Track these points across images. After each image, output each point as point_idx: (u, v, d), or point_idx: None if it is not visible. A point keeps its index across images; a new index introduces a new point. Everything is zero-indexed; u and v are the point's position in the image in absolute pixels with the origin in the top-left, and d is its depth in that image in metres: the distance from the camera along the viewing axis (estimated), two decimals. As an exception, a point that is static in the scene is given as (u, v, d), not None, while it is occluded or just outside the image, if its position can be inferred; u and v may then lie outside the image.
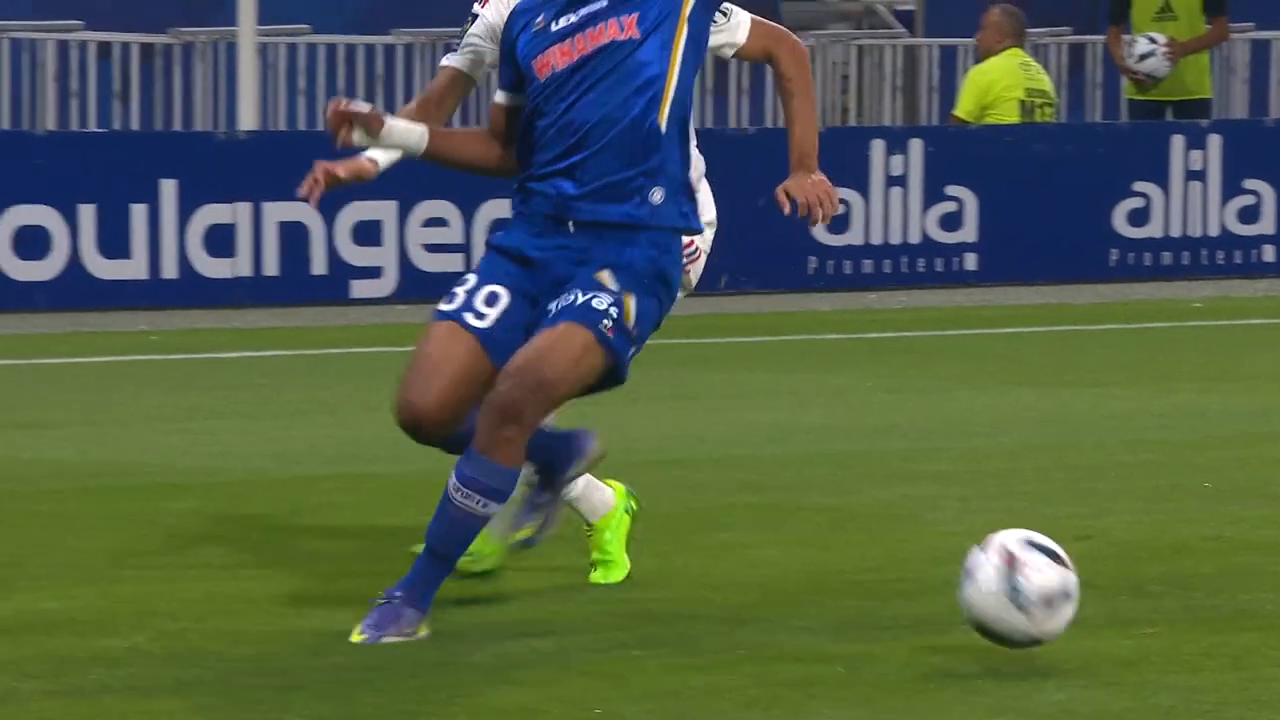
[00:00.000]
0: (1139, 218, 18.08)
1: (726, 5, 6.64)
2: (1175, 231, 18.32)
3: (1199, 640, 6.81)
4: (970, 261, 17.96)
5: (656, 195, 6.34)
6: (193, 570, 8.19)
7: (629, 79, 6.36)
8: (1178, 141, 18.18)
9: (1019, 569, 5.99)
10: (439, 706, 5.76)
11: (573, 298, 6.26)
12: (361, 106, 6.50)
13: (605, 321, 6.17)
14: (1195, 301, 17.99)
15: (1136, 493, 10.24)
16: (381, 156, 6.69)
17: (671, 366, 13.86)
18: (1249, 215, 18.23)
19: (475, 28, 6.95)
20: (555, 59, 6.44)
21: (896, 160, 17.78)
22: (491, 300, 6.40)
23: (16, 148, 17.21)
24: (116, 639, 6.65)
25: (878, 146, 17.80)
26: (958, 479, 10.66)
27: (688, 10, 6.42)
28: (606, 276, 6.29)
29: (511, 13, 6.62)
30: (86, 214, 16.69)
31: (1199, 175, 18.20)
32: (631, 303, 6.24)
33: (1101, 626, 7.02)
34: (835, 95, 21.38)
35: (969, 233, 17.94)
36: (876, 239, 17.74)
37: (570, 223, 6.38)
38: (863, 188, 17.67)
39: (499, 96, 6.66)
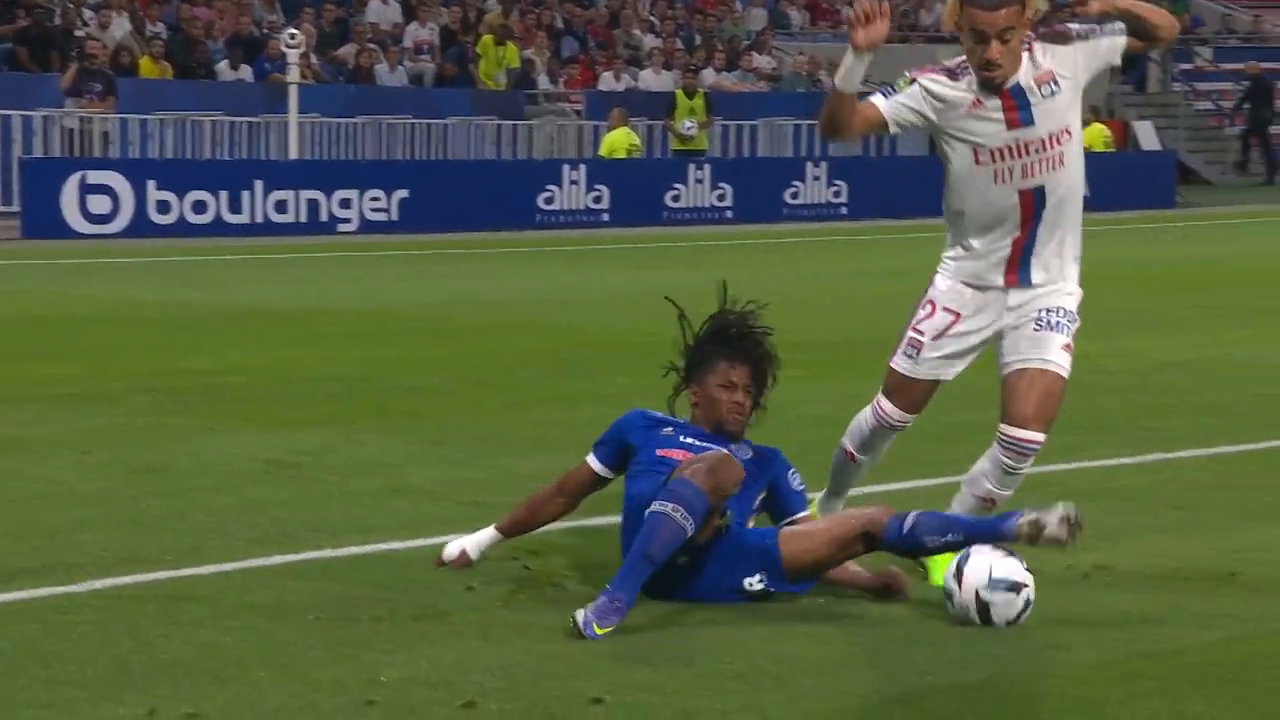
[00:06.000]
0: (677, 198, 25.64)
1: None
2: (689, 203, 25.65)
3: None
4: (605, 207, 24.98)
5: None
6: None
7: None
8: (691, 167, 25.90)
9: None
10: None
11: None
12: (454, 555, 5.63)
13: None
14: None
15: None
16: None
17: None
18: (721, 197, 25.92)
19: (910, 94, 5.47)
20: (677, 455, 5.37)
21: (575, 173, 24.71)
22: None
23: None
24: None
25: (566, 168, 24.82)
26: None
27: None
28: None
29: (636, 416, 5.56)
30: None
31: (700, 181, 25.77)
32: None
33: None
34: (546, 146, 26.84)
35: (605, 202, 24.97)
36: (571, 204, 24.75)
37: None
38: (557, 180, 24.68)
39: (598, 467, 5.59)
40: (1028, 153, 5.49)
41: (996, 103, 5.48)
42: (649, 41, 31.47)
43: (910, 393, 5.68)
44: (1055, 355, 5.54)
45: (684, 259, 20.03)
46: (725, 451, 5.38)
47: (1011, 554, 5.29)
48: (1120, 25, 5.53)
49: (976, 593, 5.21)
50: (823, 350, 11.10)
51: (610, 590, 5.09)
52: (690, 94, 27.70)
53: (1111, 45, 5.55)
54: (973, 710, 4.51)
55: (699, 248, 21.95)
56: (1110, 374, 10.29)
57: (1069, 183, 5.56)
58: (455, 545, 5.79)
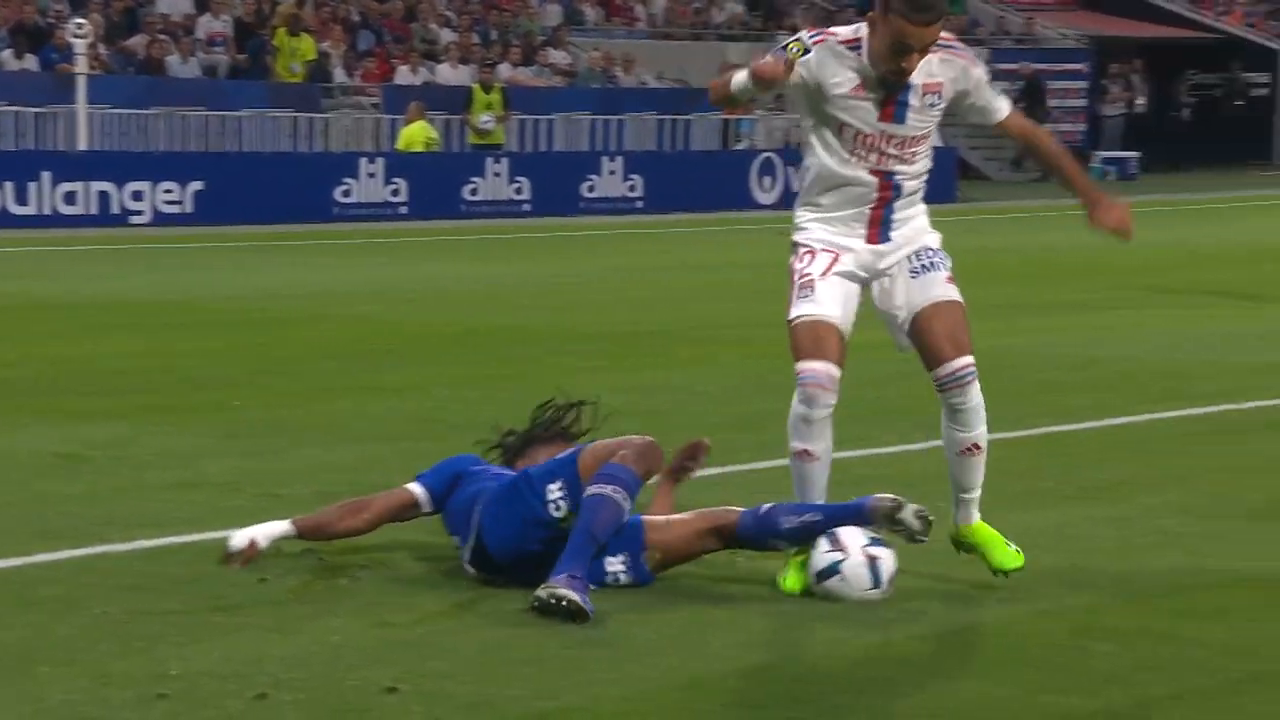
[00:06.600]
0: (475, 191, 25.31)
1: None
2: (487, 196, 25.47)
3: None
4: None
5: None
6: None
7: None
8: (489, 160, 25.61)
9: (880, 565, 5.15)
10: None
11: None
12: (243, 545, 5.43)
13: None
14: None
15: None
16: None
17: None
18: (518, 191, 25.52)
19: (803, 62, 5.37)
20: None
21: (372, 166, 24.64)
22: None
23: None
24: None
25: (363, 161, 24.78)
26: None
27: None
28: None
29: (468, 457, 5.56)
30: None
31: (498, 175, 25.38)
32: None
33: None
34: (342, 139, 27.57)
35: (403, 195, 25.29)
36: (369, 197, 24.75)
37: None
38: (354, 173, 24.41)
39: (419, 493, 5.50)
40: (888, 144, 5.51)
41: (880, 92, 5.47)
42: (445, 36, 31.33)
43: (824, 342, 5.46)
44: (942, 289, 5.61)
45: (482, 252, 20.02)
46: (649, 437, 5.46)
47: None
48: (1009, 103, 5.64)
49: (863, 549, 5.32)
50: (622, 341, 11.13)
51: (565, 571, 5.09)
52: (487, 89, 27.60)
53: (995, 110, 5.61)
54: (759, 692, 4.56)
55: (497, 240, 21.92)
56: (896, 362, 10.41)
57: (919, 177, 5.64)
58: (244, 535, 5.64)
